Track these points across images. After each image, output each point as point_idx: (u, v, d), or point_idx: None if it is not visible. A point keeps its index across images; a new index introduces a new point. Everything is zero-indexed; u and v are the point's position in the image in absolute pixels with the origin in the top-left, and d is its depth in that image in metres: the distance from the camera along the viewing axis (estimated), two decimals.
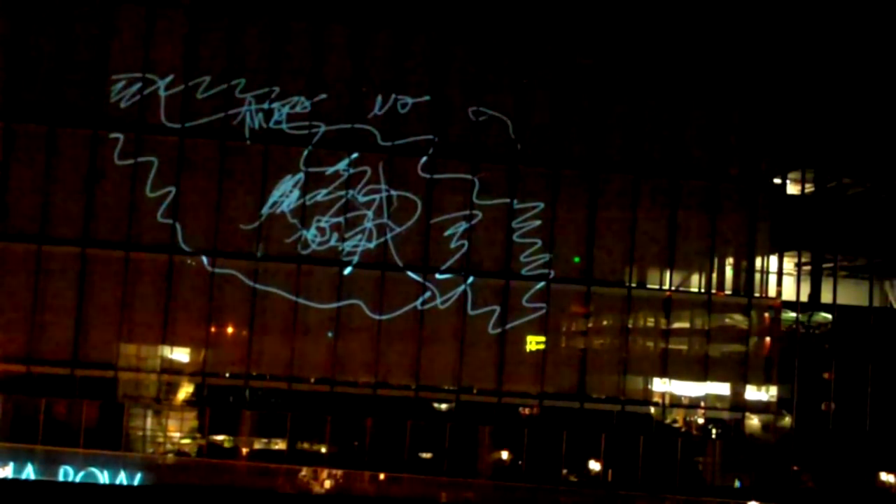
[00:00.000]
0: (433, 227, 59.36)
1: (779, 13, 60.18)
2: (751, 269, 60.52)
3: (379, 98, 59.65)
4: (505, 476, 59.12)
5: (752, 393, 59.89)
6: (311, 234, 59.04)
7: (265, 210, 59.10)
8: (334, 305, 58.99)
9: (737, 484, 60.00)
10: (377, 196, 59.24)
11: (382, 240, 59.20)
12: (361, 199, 59.22)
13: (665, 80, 60.48)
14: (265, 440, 59.46)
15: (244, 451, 59.06)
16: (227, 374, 59.07)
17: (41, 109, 59.03)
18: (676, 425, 60.27)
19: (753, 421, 60.08)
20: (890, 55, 60.91)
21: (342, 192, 59.23)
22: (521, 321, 59.28)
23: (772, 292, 60.42)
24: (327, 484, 57.56)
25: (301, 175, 59.20)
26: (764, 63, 60.41)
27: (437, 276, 59.18)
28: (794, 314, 61.02)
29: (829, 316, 61.34)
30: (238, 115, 59.31)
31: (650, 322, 60.66)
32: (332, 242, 59.15)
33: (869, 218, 61.81)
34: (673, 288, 60.31)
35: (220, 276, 58.85)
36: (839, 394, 60.40)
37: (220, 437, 59.33)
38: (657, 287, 60.35)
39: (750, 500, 58.65)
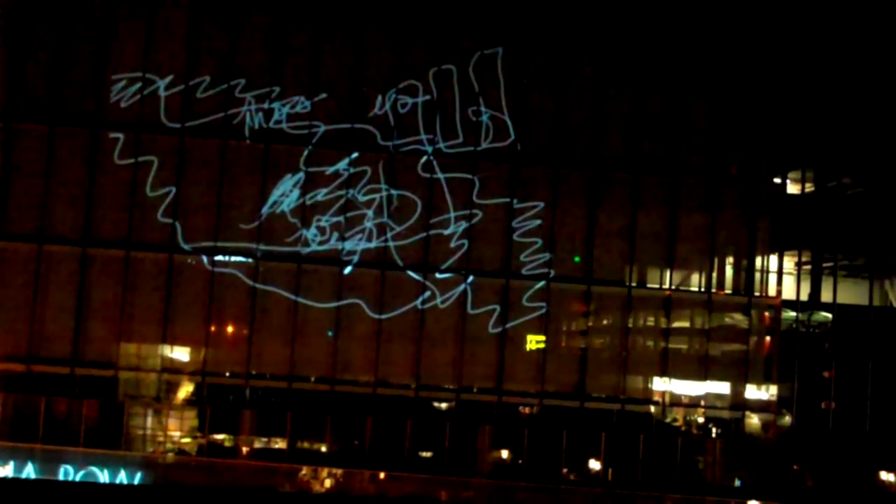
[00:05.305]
0: (433, 227, 59.37)
1: (779, 13, 60.21)
2: (751, 268, 60.49)
3: (379, 98, 59.69)
4: (505, 475, 59.07)
5: (753, 392, 59.80)
6: (311, 233, 59.05)
7: (265, 209, 59.11)
8: (334, 305, 58.99)
9: (737, 483, 59.95)
10: (377, 195, 59.25)
11: (382, 239, 59.20)
12: (361, 198, 59.23)
13: (665, 79, 60.46)
14: (265, 439, 59.39)
15: (244, 450, 59.03)
16: (228, 374, 59.10)
17: (41, 109, 59.10)
18: (676, 424, 60.20)
19: (753, 420, 60.04)
20: (890, 55, 60.90)
21: (342, 192, 59.24)
22: (522, 320, 59.23)
23: (772, 291, 60.38)
24: (327, 483, 57.60)
25: (301, 174, 59.22)
26: (764, 63, 60.42)
27: (437, 275, 59.16)
28: (794, 313, 60.94)
29: (829, 315, 61.27)
30: (238, 115, 59.34)
31: (650, 321, 60.61)
32: (333, 242, 59.16)
33: (869, 218, 61.71)
34: (673, 287, 60.30)
35: (220, 276, 58.87)
36: (839, 393, 60.30)
37: (220, 437, 59.29)
38: (657, 286, 60.32)
39: (750, 499, 58.65)
